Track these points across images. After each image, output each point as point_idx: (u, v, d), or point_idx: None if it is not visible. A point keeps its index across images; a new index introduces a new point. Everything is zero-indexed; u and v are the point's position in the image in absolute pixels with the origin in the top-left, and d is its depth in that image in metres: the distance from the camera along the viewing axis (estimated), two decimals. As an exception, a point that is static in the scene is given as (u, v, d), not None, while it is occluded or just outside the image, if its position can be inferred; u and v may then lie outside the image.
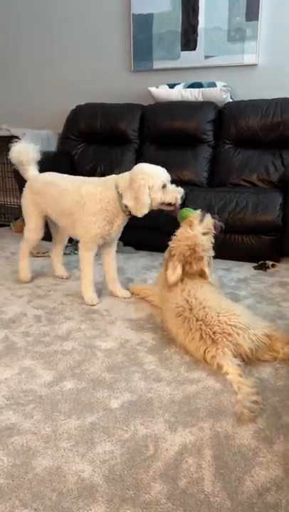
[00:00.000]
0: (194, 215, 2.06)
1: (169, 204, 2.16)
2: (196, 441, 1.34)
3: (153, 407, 1.50)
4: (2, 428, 1.40)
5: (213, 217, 2.09)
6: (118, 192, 2.15)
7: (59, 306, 2.34)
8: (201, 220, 2.04)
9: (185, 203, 3.10)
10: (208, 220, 2.05)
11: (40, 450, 1.31)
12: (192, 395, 1.56)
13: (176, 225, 2.14)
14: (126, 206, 2.15)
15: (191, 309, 1.81)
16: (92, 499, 1.14)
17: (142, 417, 1.45)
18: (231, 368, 1.62)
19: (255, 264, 2.97)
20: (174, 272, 1.97)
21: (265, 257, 2.99)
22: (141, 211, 2.12)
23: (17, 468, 1.24)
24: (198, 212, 2.08)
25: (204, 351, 1.71)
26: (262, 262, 2.96)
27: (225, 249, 3.07)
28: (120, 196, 2.14)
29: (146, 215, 2.27)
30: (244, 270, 2.90)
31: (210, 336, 1.71)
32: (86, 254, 2.31)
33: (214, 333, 1.70)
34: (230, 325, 1.70)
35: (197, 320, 1.76)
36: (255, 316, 1.88)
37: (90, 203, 2.20)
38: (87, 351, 1.87)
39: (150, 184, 2.09)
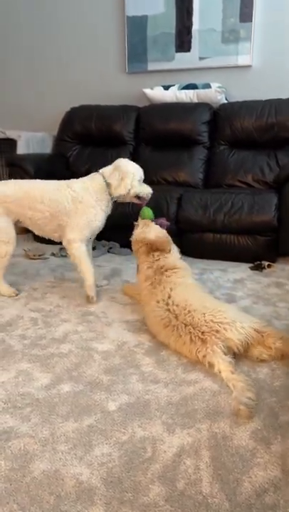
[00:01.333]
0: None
1: (138, 198, 2.44)
2: (194, 442, 1.34)
3: (150, 409, 1.50)
4: (-1, 432, 1.39)
5: (158, 221, 2.37)
6: (105, 181, 2.38)
7: (55, 308, 2.34)
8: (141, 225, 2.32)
9: (181, 204, 3.13)
10: (144, 222, 2.32)
11: (38, 453, 1.30)
12: (189, 397, 1.56)
13: None
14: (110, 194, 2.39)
15: (176, 317, 1.83)
16: (90, 502, 1.14)
17: (140, 419, 1.45)
18: (222, 365, 1.62)
19: (251, 265, 2.98)
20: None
21: (261, 257, 2.99)
22: (119, 190, 2.36)
23: (15, 472, 1.24)
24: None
25: (196, 352, 1.72)
26: (258, 262, 2.97)
27: (221, 250, 3.08)
28: (107, 184, 2.37)
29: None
30: (240, 271, 2.91)
31: (199, 337, 1.72)
32: (82, 246, 2.38)
33: (202, 333, 1.72)
34: (216, 322, 1.72)
35: (186, 326, 1.78)
36: (243, 312, 1.93)
37: (87, 196, 2.36)
38: (84, 353, 1.87)
39: (133, 172, 2.38)
